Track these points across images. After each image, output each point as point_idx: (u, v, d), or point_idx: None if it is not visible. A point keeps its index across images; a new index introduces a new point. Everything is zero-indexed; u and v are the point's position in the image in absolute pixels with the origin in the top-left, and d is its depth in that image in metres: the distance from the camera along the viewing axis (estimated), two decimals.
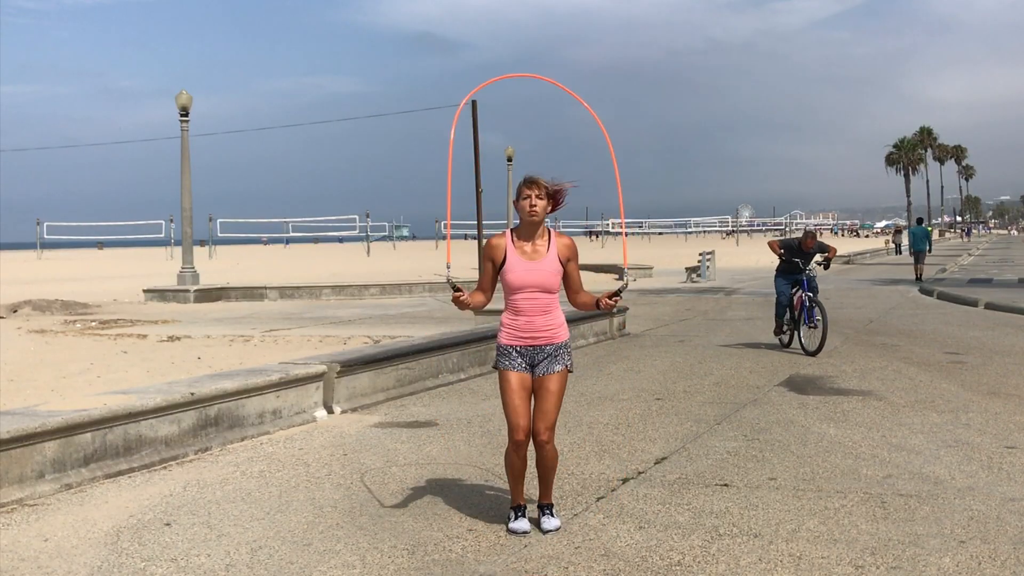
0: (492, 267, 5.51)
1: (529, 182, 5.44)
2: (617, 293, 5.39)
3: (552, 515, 5.61)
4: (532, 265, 5.42)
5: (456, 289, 5.37)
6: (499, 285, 5.58)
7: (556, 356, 5.49)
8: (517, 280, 5.42)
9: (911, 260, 33.41)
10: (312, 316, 20.28)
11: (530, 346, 5.47)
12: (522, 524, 5.54)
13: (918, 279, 30.30)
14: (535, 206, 5.40)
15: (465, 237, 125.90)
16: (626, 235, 5.70)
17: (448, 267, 5.65)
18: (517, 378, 5.45)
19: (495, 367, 5.60)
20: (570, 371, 5.58)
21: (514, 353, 5.47)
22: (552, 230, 5.55)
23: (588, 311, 5.68)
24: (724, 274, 36.22)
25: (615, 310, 15.57)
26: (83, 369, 12.10)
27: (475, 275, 23.76)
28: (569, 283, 5.59)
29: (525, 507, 5.63)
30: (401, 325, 17.43)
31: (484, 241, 5.66)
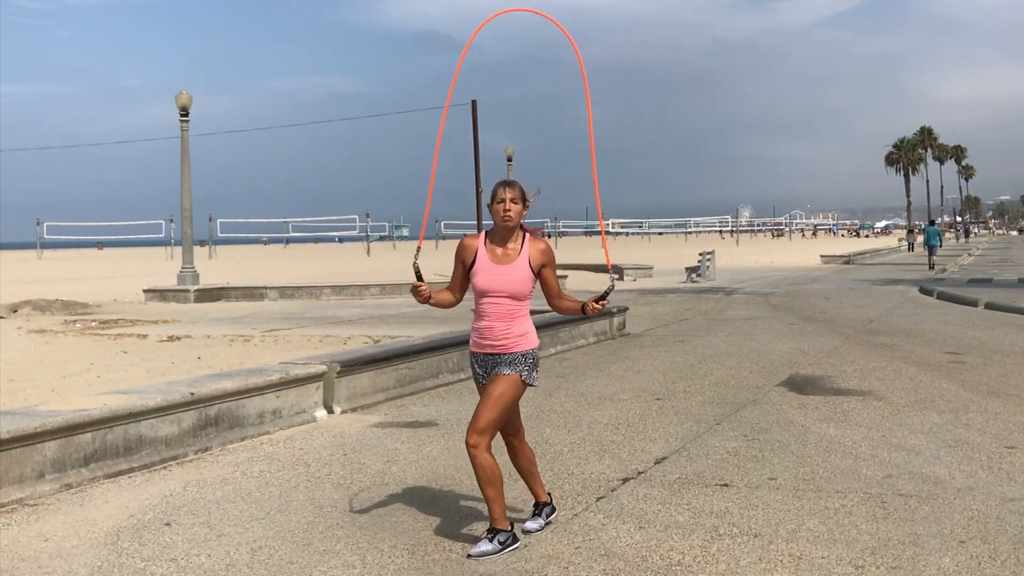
0: (462, 268, 5.34)
1: (504, 185, 5.27)
2: (604, 296, 5.15)
3: (539, 515, 5.54)
4: (500, 269, 5.22)
5: (419, 278, 5.21)
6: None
7: (509, 363, 5.21)
8: (482, 283, 5.24)
9: (917, 259, 42.11)
10: (312, 316, 20.28)
11: (488, 355, 5.28)
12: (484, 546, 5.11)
13: (931, 268, 38.85)
14: (509, 210, 5.20)
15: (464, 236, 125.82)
16: (605, 235, 5.55)
17: (418, 250, 5.52)
18: (480, 391, 5.31)
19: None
20: (530, 384, 5.26)
21: (476, 365, 5.34)
22: (527, 235, 5.32)
23: (573, 315, 5.38)
24: (724, 274, 36.24)
25: (614, 310, 15.66)
26: (83, 369, 12.10)
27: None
28: (547, 289, 5.40)
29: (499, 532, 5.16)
30: (401, 325, 17.42)
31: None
